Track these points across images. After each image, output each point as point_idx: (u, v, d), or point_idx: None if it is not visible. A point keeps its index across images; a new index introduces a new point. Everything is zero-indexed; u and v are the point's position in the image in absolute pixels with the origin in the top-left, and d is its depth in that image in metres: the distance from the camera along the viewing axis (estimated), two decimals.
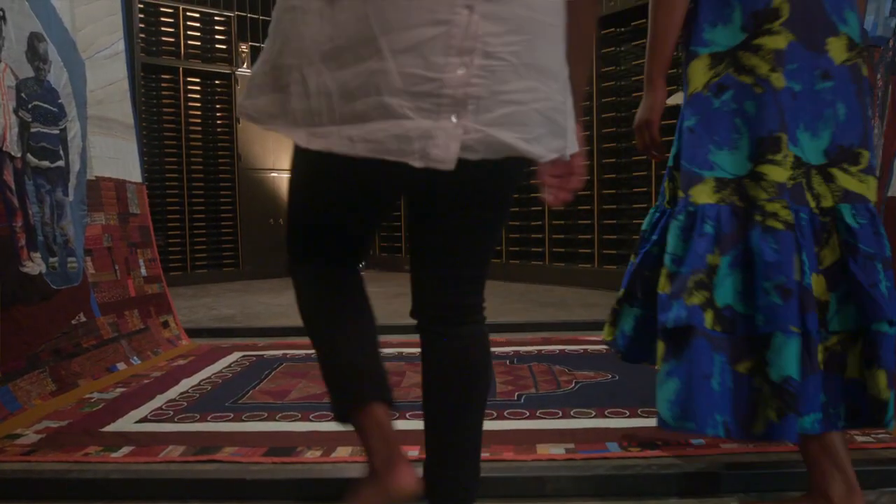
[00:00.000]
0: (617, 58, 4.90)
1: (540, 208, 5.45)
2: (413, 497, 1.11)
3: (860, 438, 1.70)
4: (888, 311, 1.24)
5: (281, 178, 6.58)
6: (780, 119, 1.27)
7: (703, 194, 1.30)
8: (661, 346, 1.29)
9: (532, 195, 5.55)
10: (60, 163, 2.64)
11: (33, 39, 2.49)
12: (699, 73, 1.33)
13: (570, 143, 1.04)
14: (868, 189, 1.33)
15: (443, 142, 0.89)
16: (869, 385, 1.26)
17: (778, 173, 1.27)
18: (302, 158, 1.06)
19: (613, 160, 4.90)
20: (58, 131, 2.64)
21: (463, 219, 1.05)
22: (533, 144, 0.96)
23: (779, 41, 1.28)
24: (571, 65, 1.04)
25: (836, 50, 1.31)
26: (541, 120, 0.96)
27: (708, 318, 1.26)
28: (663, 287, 1.30)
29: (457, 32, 0.88)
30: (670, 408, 1.27)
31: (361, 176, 0.99)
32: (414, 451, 1.70)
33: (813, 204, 1.30)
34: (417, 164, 0.90)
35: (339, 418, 1.15)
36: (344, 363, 1.12)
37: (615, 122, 4.91)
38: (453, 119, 0.90)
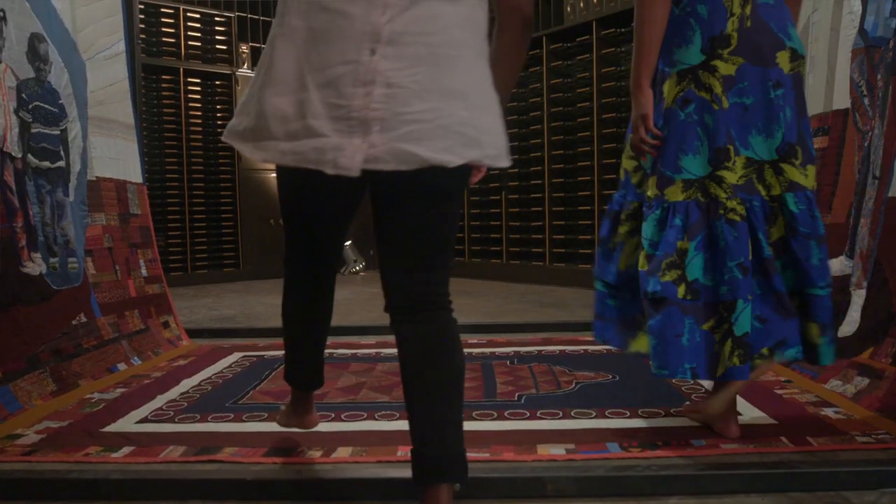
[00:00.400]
0: (617, 58, 4.90)
1: (540, 209, 5.46)
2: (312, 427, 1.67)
3: (861, 439, 1.70)
4: (817, 280, 1.64)
5: None
6: (727, 133, 1.62)
7: (674, 194, 1.65)
8: (645, 308, 1.66)
9: (532, 196, 5.55)
10: (61, 163, 2.64)
11: (34, 40, 2.49)
12: (671, 90, 1.64)
13: (491, 152, 1.22)
14: (808, 179, 1.65)
15: (349, 154, 1.13)
16: (807, 334, 1.66)
17: (731, 177, 1.63)
18: (280, 178, 1.39)
19: (613, 160, 4.90)
20: (58, 132, 2.64)
21: (409, 218, 1.25)
22: (441, 154, 1.15)
23: (729, 68, 1.60)
24: (497, 82, 1.28)
25: (784, 62, 1.62)
26: (446, 133, 1.15)
27: (680, 290, 1.62)
28: (642, 265, 1.65)
29: (361, 69, 1.13)
30: (651, 359, 1.66)
31: (313, 185, 1.26)
32: None
33: (764, 193, 1.65)
34: (330, 171, 1.14)
35: (290, 385, 1.66)
36: (301, 360, 1.61)
37: (615, 122, 4.91)
38: (360, 137, 1.13)
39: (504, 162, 1.25)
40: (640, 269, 1.65)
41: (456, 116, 1.17)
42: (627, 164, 1.81)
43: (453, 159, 1.16)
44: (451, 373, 1.27)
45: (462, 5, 1.22)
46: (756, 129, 1.62)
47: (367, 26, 1.14)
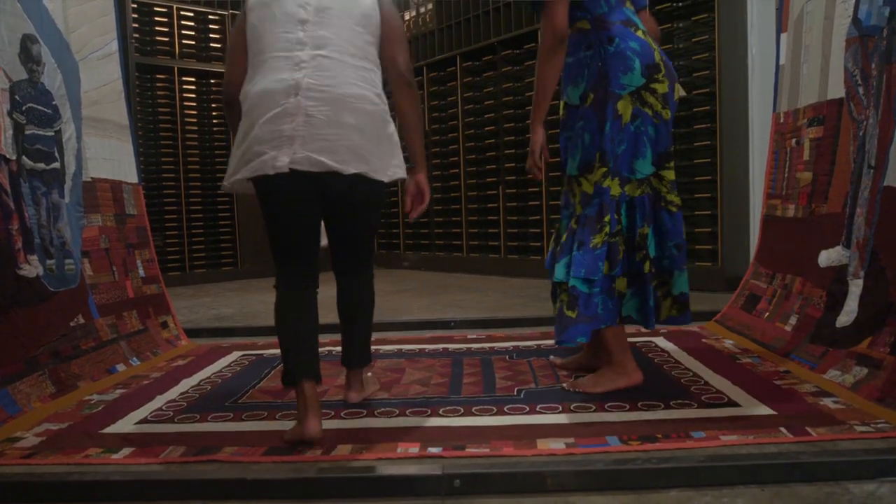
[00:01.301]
0: None
1: (538, 203, 5.45)
2: (316, 437, 1.75)
3: (860, 428, 1.71)
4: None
5: None
6: (670, 139, 2.08)
7: (635, 190, 2.10)
8: (620, 282, 2.11)
9: (530, 189, 5.55)
10: (56, 165, 2.63)
11: (26, 41, 2.48)
12: (626, 109, 2.03)
13: (375, 166, 1.85)
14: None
15: (280, 159, 1.75)
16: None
17: (671, 174, 2.12)
18: (261, 201, 1.88)
19: None
20: (52, 133, 2.63)
21: (345, 219, 1.96)
22: (339, 164, 1.77)
23: (664, 87, 2.05)
24: (402, 127, 2.01)
25: (676, 92, 2.15)
26: (345, 151, 1.78)
27: (646, 266, 2.10)
28: (620, 245, 2.09)
29: (289, 108, 1.76)
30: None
31: (279, 195, 1.83)
32: (414, 448, 1.70)
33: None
34: (270, 172, 1.76)
35: (288, 384, 1.86)
36: (296, 357, 1.85)
37: None
38: (287, 149, 1.75)
39: (383, 177, 1.88)
40: (612, 240, 2.07)
41: (353, 141, 1.79)
42: (578, 178, 2.15)
43: (347, 168, 1.78)
44: (368, 303, 2.14)
45: (356, 68, 1.83)
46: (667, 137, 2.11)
47: (292, 80, 1.77)
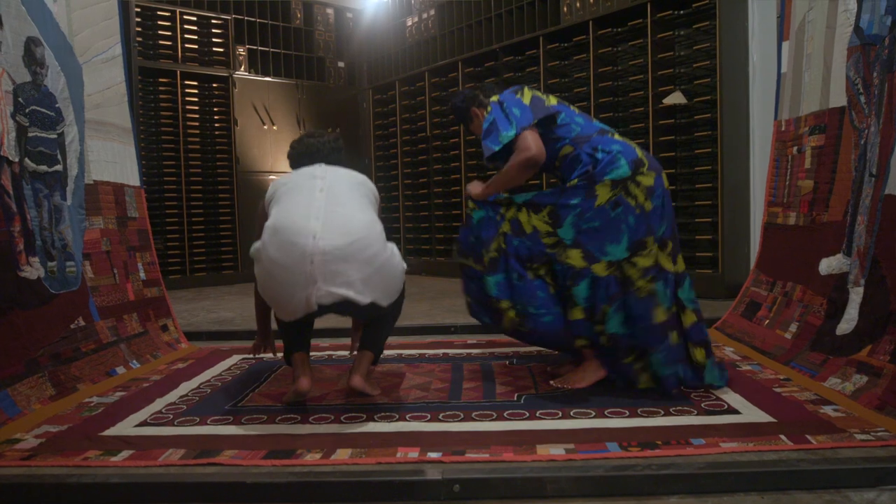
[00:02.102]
0: (613, 58, 4.91)
1: None
2: (305, 391, 2.11)
3: (860, 436, 1.71)
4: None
5: None
6: (647, 229, 2.15)
7: (600, 269, 2.16)
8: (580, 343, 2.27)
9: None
10: (58, 167, 2.64)
11: (30, 44, 2.49)
12: (604, 193, 2.14)
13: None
14: (675, 265, 2.23)
15: (310, 297, 1.98)
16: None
17: (644, 261, 2.16)
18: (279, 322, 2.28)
19: None
20: (55, 135, 2.64)
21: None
22: (358, 295, 2.00)
23: (649, 180, 2.16)
24: None
25: (656, 179, 2.21)
26: (358, 284, 2.00)
27: (602, 339, 2.20)
28: (578, 316, 2.20)
29: (308, 249, 1.96)
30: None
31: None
32: (414, 452, 1.70)
33: (671, 268, 2.20)
34: (303, 313, 2.06)
35: (288, 362, 2.25)
36: (290, 340, 2.24)
37: (612, 122, 4.91)
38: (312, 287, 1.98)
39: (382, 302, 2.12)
40: (576, 318, 2.19)
41: (362, 276, 2.01)
42: (540, 225, 2.24)
43: (362, 299, 2.01)
44: (393, 312, 2.33)
45: (365, 213, 2.09)
46: (666, 223, 2.20)
47: (309, 230, 1.97)
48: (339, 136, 2.52)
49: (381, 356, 2.38)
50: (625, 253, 2.14)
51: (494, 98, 2.29)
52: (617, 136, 2.24)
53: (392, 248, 2.13)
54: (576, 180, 2.19)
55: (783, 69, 3.08)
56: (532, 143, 2.14)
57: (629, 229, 2.13)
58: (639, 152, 2.18)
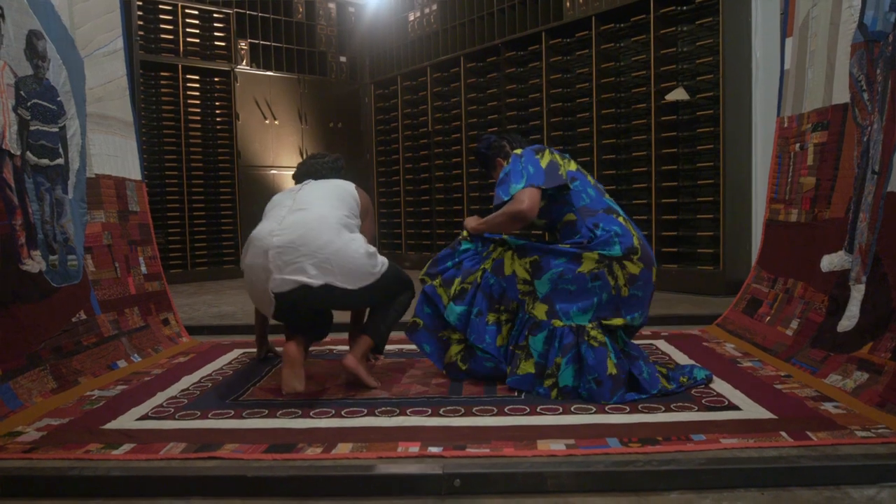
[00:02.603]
0: (616, 54, 4.90)
1: None
2: (293, 394, 2.14)
3: (860, 433, 1.71)
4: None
5: (280, 175, 6.58)
6: (615, 311, 2.19)
7: (559, 323, 2.19)
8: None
9: None
10: (60, 161, 2.64)
11: (32, 37, 2.49)
12: (589, 263, 2.18)
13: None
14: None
15: (268, 288, 2.18)
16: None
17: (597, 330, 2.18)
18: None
19: (612, 156, 4.90)
20: (57, 129, 2.64)
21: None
22: (310, 280, 2.15)
23: (635, 269, 2.19)
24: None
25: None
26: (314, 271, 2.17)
27: (553, 393, 2.15)
28: (528, 370, 2.21)
29: (267, 243, 2.19)
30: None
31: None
32: (415, 447, 1.70)
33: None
34: (269, 303, 2.23)
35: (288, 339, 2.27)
36: (288, 331, 2.34)
37: (614, 118, 4.90)
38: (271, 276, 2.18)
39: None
40: (527, 372, 2.20)
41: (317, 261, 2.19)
42: (520, 272, 2.28)
43: (314, 282, 2.15)
44: (397, 305, 2.44)
45: (325, 210, 2.27)
46: (640, 312, 2.24)
47: (270, 232, 2.20)
48: (340, 157, 2.68)
49: (385, 351, 2.41)
50: (586, 322, 2.17)
51: (518, 151, 2.34)
52: (621, 219, 2.27)
53: (354, 237, 2.27)
54: (568, 245, 2.24)
55: (786, 66, 3.07)
56: (528, 199, 2.20)
57: (599, 304, 2.18)
58: (636, 241, 2.22)
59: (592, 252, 2.18)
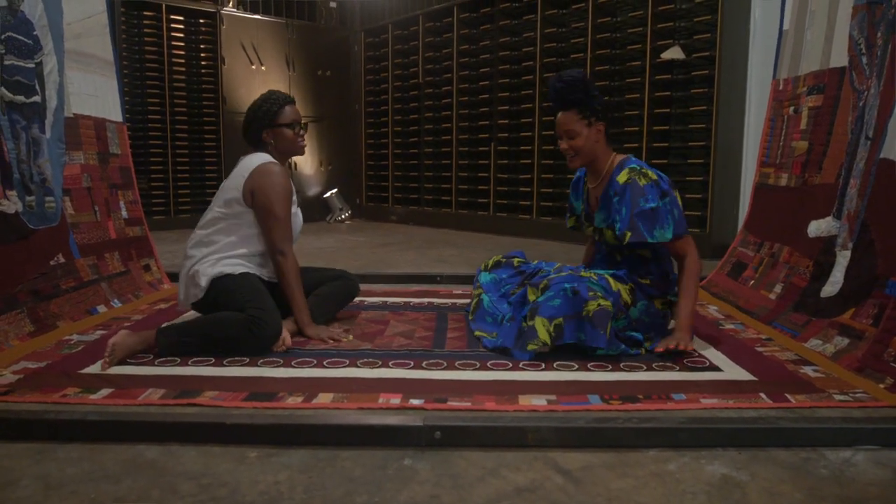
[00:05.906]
0: (613, 9, 4.79)
1: (529, 162, 5.41)
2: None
3: (838, 397, 1.72)
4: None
5: None
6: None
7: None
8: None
9: (522, 148, 5.49)
10: (36, 98, 2.55)
11: None
12: (623, 293, 2.18)
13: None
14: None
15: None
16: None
17: None
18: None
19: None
20: (33, 65, 2.54)
21: None
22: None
23: (665, 308, 2.29)
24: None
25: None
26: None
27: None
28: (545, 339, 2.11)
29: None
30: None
31: None
32: (396, 399, 1.70)
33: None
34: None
35: None
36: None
37: (608, 75, 4.83)
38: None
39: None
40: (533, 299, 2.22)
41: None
42: (531, 294, 2.27)
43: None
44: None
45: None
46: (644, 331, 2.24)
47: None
48: (261, 106, 2.38)
49: (363, 304, 2.35)
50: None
51: (651, 175, 2.14)
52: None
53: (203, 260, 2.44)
54: (619, 280, 2.20)
55: (785, 26, 3.01)
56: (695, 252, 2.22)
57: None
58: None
59: (641, 292, 2.24)
